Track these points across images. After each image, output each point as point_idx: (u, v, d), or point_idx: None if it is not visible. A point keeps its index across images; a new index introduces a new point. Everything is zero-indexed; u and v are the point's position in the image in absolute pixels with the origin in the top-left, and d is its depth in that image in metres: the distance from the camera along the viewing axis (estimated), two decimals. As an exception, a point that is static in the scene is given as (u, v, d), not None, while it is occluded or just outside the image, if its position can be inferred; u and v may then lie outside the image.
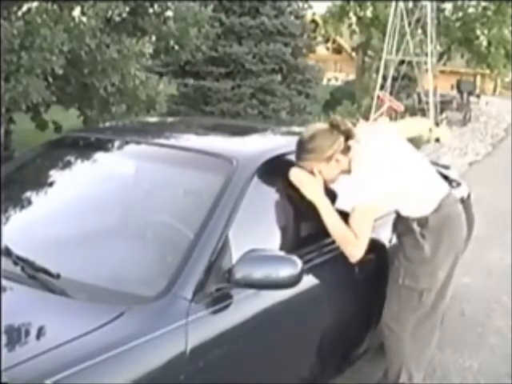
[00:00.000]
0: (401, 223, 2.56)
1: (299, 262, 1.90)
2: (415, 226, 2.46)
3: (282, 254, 1.97)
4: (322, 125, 2.42)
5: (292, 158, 2.45)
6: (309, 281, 2.15)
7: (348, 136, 2.34)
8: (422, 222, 2.45)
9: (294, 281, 1.89)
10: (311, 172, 2.32)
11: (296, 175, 2.32)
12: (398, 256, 2.54)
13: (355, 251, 2.30)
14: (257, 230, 2.19)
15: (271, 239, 2.21)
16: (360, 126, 2.58)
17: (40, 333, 1.63)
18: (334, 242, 2.45)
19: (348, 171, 2.37)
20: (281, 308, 2.08)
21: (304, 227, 2.49)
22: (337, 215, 2.31)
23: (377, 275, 2.60)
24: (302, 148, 2.33)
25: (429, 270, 2.47)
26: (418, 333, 2.52)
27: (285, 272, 1.88)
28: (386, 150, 2.42)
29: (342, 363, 2.69)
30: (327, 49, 34.03)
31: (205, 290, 1.82)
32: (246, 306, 1.97)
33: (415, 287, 2.46)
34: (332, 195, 2.37)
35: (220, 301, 1.87)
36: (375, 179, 2.33)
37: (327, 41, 31.07)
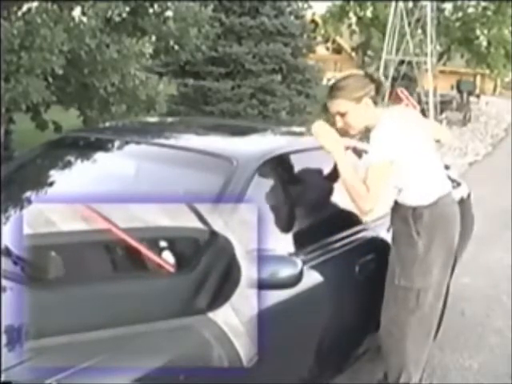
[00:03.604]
0: (397, 216, 2.54)
1: (299, 262, 1.90)
2: (411, 219, 2.45)
3: (282, 254, 1.97)
4: (356, 70, 2.56)
5: (292, 157, 2.45)
6: (309, 280, 2.15)
7: (379, 88, 2.43)
8: (417, 214, 2.44)
9: (294, 281, 1.89)
10: (339, 113, 2.39)
11: (317, 127, 2.37)
12: (393, 256, 2.54)
13: (363, 203, 2.31)
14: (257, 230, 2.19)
15: (271, 239, 2.21)
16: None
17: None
18: (334, 241, 2.45)
19: (371, 129, 2.41)
20: (280, 308, 2.08)
21: (304, 227, 2.48)
22: (351, 167, 2.34)
23: (377, 274, 2.60)
24: (334, 86, 2.43)
25: (423, 269, 2.46)
26: (416, 334, 2.53)
27: (285, 272, 1.88)
28: (409, 126, 2.46)
29: (342, 363, 2.69)
30: (327, 49, 34.01)
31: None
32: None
33: (411, 287, 2.46)
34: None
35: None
36: (394, 140, 2.35)
37: (327, 41, 31.07)
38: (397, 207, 2.55)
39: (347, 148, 2.72)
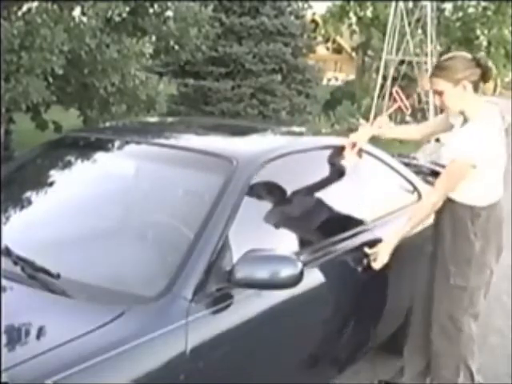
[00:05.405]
0: (451, 214, 2.51)
1: (299, 262, 1.90)
2: (468, 219, 2.45)
3: (283, 253, 1.97)
4: (465, 52, 2.58)
5: (292, 157, 2.44)
6: (309, 281, 2.14)
7: (485, 74, 2.46)
8: (475, 214, 2.44)
9: (295, 281, 1.89)
10: (436, 91, 2.46)
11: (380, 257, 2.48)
12: (446, 255, 2.52)
13: (433, 203, 2.48)
14: (257, 230, 2.19)
15: (271, 239, 2.21)
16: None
17: (40, 333, 1.63)
18: (335, 242, 2.45)
19: (466, 116, 2.46)
20: (281, 308, 2.08)
21: (304, 227, 2.48)
22: (409, 221, 2.53)
23: (379, 275, 2.60)
24: (438, 65, 2.52)
25: (478, 268, 2.49)
26: (471, 330, 2.54)
27: (285, 272, 1.87)
28: (496, 127, 2.49)
29: (342, 363, 2.69)
30: (327, 49, 33.99)
31: (205, 290, 1.82)
32: (247, 306, 1.97)
33: (466, 286, 2.48)
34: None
35: (220, 301, 1.87)
36: (484, 145, 2.38)
37: (327, 41, 31.05)
38: (452, 205, 2.50)
39: (353, 146, 2.70)
